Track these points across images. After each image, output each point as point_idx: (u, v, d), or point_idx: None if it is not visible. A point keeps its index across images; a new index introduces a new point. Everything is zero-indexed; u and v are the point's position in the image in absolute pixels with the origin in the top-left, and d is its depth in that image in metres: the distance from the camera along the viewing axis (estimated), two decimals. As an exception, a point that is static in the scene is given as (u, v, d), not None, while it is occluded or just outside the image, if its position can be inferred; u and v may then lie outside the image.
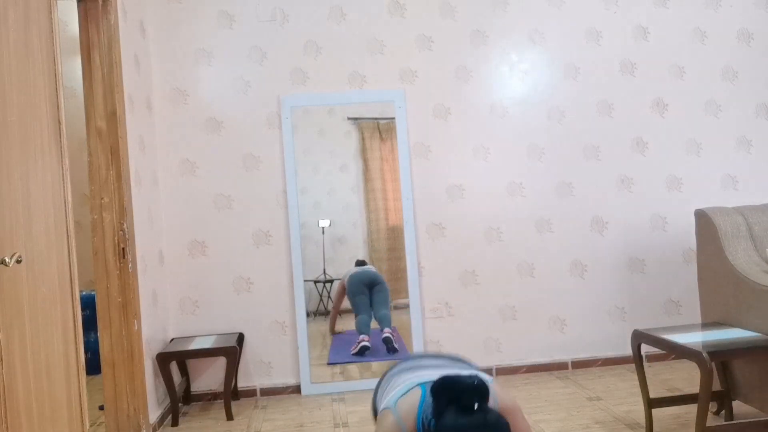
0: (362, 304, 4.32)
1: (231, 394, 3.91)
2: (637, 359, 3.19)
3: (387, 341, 4.28)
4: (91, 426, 3.71)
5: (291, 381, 4.28)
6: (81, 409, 2.36)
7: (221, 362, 4.16)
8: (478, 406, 1.81)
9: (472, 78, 4.39)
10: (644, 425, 3.19)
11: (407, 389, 2.06)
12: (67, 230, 2.34)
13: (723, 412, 3.31)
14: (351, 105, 4.36)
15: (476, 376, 1.89)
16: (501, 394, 2.07)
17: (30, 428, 1.97)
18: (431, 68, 4.37)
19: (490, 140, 4.40)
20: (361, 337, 4.30)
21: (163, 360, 3.73)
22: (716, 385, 3.27)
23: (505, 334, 4.40)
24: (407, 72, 4.35)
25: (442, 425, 1.82)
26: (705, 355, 2.75)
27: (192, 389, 4.21)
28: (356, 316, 4.34)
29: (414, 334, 4.30)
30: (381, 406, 2.13)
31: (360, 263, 4.41)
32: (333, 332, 4.45)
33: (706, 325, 3.30)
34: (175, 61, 4.22)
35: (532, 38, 4.44)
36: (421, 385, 2.05)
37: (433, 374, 2.04)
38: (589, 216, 4.46)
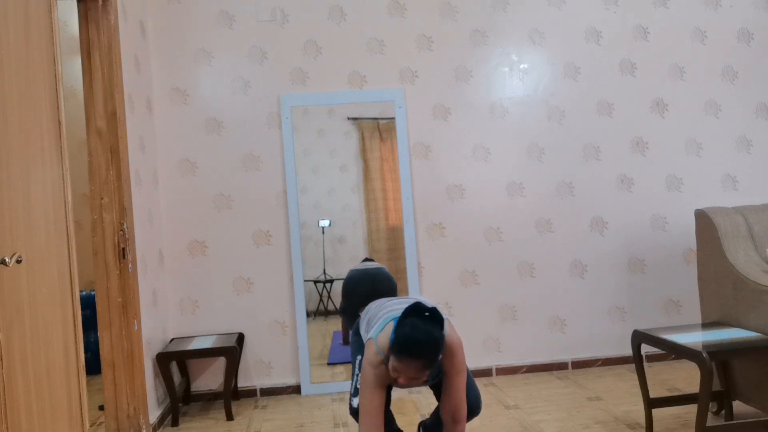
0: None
1: (231, 394, 3.91)
2: (637, 359, 3.19)
3: None
4: (91, 426, 3.71)
5: (291, 381, 4.28)
6: (81, 409, 2.36)
7: (221, 362, 4.16)
8: (430, 316, 2.38)
9: (472, 78, 4.39)
10: (644, 425, 3.19)
11: (384, 324, 2.57)
12: (67, 230, 2.34)
13: (723, 412, 3.31)
14: (351, 105, 4.36)
15: (437, 308, 2.44)
16: (449, 331, 2.55)
17: (30, 428, 1.97)
18: (431, 68, 4.37)
19: (490, 140, 4.40)
20: None
21: (163, 360, 3.73)
22: (716, 385, 3.28)
23: (505, 334, 4.40)
24: (407, 72, 4.35)
25: (401, 324, 2.39)
26: (705, 355, 2.75)
27: (192, 389, 4.21)
28: None
29: (414, 334, 4.29)
30: (367, 336, 2.66)
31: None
32: (346, 344, 4.42)
33: (706, 325, 3.30)
34: (175, 61, 4.22)
35: (532, 38, 4.44)
36: (394, 319, 2.54)
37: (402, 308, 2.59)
38: (589, 216, 4.47)
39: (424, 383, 2.57)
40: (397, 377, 2.42)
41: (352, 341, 3.02)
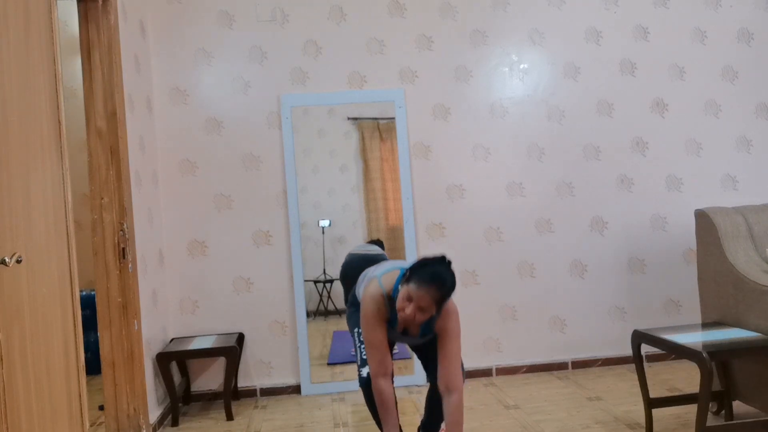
0: None
1: (231, 394, 3.91)
2: (637, 359, 3.19)
3: None
4: (91, 426, 3.71)
5: (291, 381, 4.28)
6: (81, 409, 2.36)
7: (221, 362, 4.16)
8: (449, 263, 2.60)
9: (472, 78, 4.39)
10: (644, 425, 3.19)
11: (390, 269, 2.76)
12: (67, 230, 2.34)
13: (723, 412, 3.31)
14: (351, 105, 4.36)
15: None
16: (445, 308, 2.71)
17: (30, 428, 1.97)
18: (431, 68, 4.37)
19: (490, 140, 4.40)
20: None
21: (163, 360, 3.73)
22: (716, 385, 3.28)
23: (505, 334, 4.40)
24: (407, 72, 4.35)
25: (428, 261, 2.60)
26: (705, 355, 2.75)
27: (192, 389, 4.21)
28: None
29: (414, 334, 4.29)
30: (370, 277, 2.82)
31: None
32: None
33: (706, 325, 3.30)
34: (175, 61, 4.22)
35: (532, 38, 4.44)
36: (401, 268, 2.72)
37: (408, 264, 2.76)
38: (589, 216, 4.47)
39: (416, 337, 2.74)
40: (403, 308, 2.54)
41: (349, 314, 3.06)
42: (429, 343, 2.86)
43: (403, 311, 2.54)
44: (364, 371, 2.80)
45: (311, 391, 4.23)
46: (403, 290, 2.55)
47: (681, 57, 4.54)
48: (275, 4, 4.27)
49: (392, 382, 2.74)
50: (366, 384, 2.79)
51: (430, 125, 4.37)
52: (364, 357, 2.82)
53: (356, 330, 2.93)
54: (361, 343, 2.86)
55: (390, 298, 2.67)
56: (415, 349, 3.04)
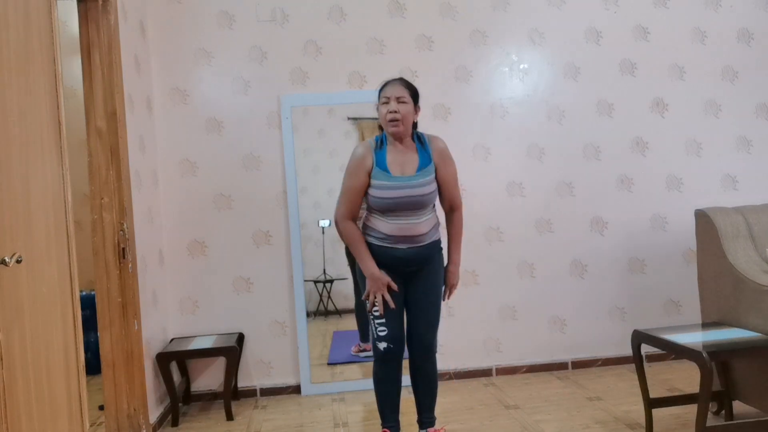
0: None
1: (231, 394, 3.90)
2: (637, 359, 3.19)
3: None
4: (91, 426, 3.71)
5: (291, 381, 4.28)
6: (81, 409, 2.36)
7: (221, 362, 4.16)
8: None
9: (472, 78, 4.39)
10: (644, 425, 3.19)
11: None
12: (67, 230, 2.34)
13: (723, 412, 3.31)
14: (351, 105, 4.36)
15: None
16: (437, 137, 3.19)
17: (30, 428, 1.97)
18: (431, 68, 4.36)
19: (490, 140, 4.40)
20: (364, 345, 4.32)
21: (163, 360, 3.73)
22: (716, 385, 3.28)
23: (505, 334, 4.40)
24: (407, 72, 4.35)
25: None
26: (705, 355, 2.75)
27: (192, 389, 4.21)
28: None
29: (414, 334, 4.29)
30: None
31: None
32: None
33: (706, 325, 3.30)
34: (175, 61, 4.21)
35: (532, 38, 4.44)
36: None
37: None
38: (589, 216, 4.46)
39: (413, 176, 2.98)
40: (387, 110, 2.91)
41: (356, 284, 3.20)
42: (417, 290, 3.04)
43: (387, 112, 2.90)
44: (381, 345, 2.95)
45: (311, 391, 4.23)
46: (380, 102, 2.96)
47: (681, 57, 4.54)
48: (275, 4, 4.27)
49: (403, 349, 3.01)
50: (382, 359, 2.96)
51: (430, 125, 4.36)
52: (381, 333, 2.94)
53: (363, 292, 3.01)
54: (374, 317, 2.96)
55: (375, 147, 2.97)
56: (408, 299, 3.08)
